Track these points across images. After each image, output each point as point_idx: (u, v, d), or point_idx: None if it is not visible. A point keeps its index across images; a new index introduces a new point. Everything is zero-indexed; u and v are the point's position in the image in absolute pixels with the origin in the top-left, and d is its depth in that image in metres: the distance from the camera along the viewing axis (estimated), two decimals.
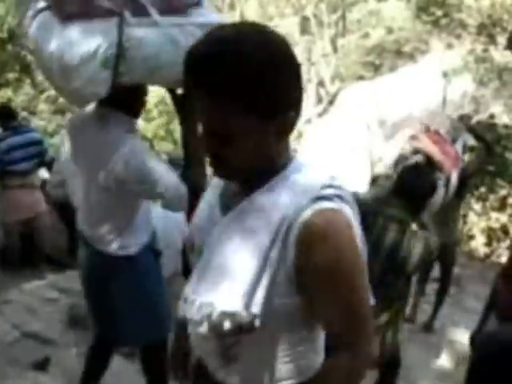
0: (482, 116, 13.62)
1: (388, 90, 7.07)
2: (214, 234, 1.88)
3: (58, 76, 2.72)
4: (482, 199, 12.46)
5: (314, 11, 18.66)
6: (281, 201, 1.76)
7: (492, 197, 12.44)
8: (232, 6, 19.62)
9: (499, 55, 14.27)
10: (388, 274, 4.14)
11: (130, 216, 3.34)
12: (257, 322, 1.74)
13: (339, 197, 1.77)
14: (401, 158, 5.80)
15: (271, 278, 1.73)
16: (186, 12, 2.91)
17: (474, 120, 13.46)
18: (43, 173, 8.89)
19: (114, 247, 3.36)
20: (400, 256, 4.10)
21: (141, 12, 2.75)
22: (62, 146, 3.46)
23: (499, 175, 12.01)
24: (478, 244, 12.98)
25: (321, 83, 18.75)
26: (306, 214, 1.70)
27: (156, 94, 19.78)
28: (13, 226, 8.19)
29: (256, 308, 1.73)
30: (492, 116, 12.77)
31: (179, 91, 3.06)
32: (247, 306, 1.73)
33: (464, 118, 8.19)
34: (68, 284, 6.65)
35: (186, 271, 7.70)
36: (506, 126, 12.36)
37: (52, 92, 18.61)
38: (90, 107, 3.25)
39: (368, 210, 4.09)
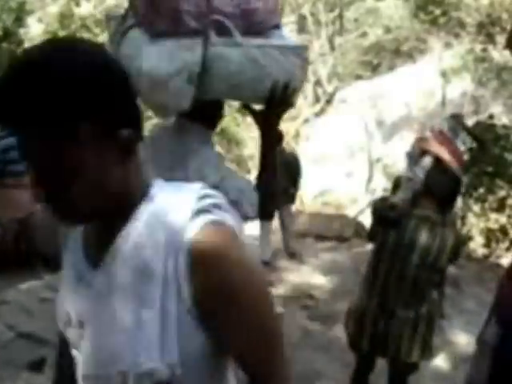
0: (482, 116, 13.64)
1: (386, 89, 7.05)
2: (94, 296, 1.66)
3: (146, 90, 2.85)
4: (481, 200, 12.42)
5: (311, 10, 18.69)
6: (157, 227, 1.57)
7: (491, 198, 12.41)
8: None
9: (498, 55, 14.27)
10: (424, 270, 4.29)
11: None
12: (178, 371, 1.57)
13: (218, 206, 1.60)
14: (412, 160, 5.84)
15: (175, 322, 1.56)
16: (267, 34, 3.06)
17: (474, 120, 13.47)
18: None
19: None
20: (434, 253, 4.27)
21: (225, 33, 2.89)
22: None
23: (498, 176, 11.99)
24: (477, 245, 12.96)
25: (318, 82, 18.78)
26: (189, 233, 1.51)
27: None
28: (9, 224, 8.16)
29: (171, 357, 1.57)
30: (491, 116, 12.76)
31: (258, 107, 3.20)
32: (162, 358, 1.56)
33: (457, 118, 8.20)
34: None
35: None
36: (504, 127, 12.34)
37: None
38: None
39: (401, 212, 4.29)
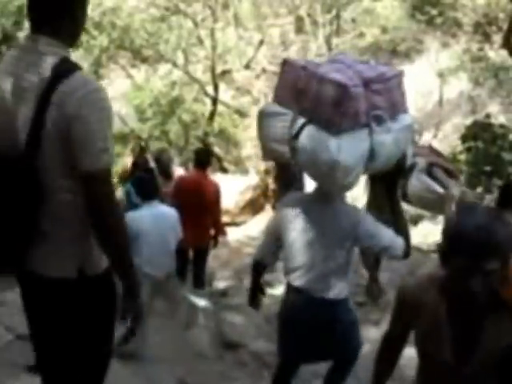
0: (479, 116, 13.64)
1: None
2: None
3: (340, 174, 3.73)
4: (479, 199, 12.42)
5: (309, 11, 18.67)
6: None
7: (488, 197, 12.40)
8: (226, 6, 19.60)
9: (495, 54, 14.27)
10: None
11: (349, 268, 4.23)
12: None
13: None
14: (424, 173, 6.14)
15: None
16: (399, 117, 4.00)
17: (471, 120, 13.48)
18: None
19: (336, 293, 4.15)
20: None
21: (380, 121, 3.82)
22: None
23: (496, 175, 11.99)
24: None
25: None
26: None
27: (148, 94, 19.76)
28: None
29: None
30: (488, 116, 12.76)
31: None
32: None
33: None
34: None
35: (182, 272, 7.69)
36: (502, 126, 12.34)
37: None
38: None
39: None
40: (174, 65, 19.91)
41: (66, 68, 2.68)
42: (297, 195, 4.65)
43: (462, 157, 12.34)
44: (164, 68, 20.51)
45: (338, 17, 19.55)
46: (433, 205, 5.97)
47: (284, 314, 4.36)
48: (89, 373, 2.96)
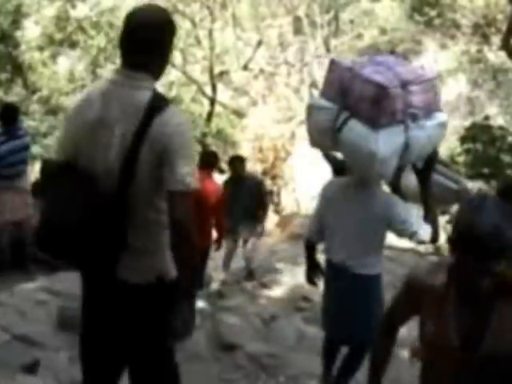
0: (478, 117, 13.63)
1: None
2: None
3: (377, 165, 4.22)
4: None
5: (307, 11, 18.65)
6: None
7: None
8: (224, 7, 19.58)
9: (493, 56, 14.27)
10: None
11: (381, 249, 4.76)
12: None
13: None
14: None
15: None
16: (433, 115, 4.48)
17: (469, 122, 13.47)
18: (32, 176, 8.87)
19: (369, 269, 4.65)
20: None
21: (415, 118, 4.30)
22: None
23: (494, 177, 11.99)
24: None
25: (314, 84, 18.71)
26: None
27: None
28: (4, 226, 8.14)
29: None
30: (487, 117, 12.74)
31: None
32: None
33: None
34: (58, 286, 6.58)
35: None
36: (500, 128, 12.33)
37: (44, 92, 18.61)
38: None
39: None
40: (172, 65, 19.90)
41: (159, 103, 3.04)
42: (337, 181, 5.09)
43: (461, 159, 12.34)
44: None
45: (336, 18, 19.56)
46: (446, 200, 5.99)
47: (325, 287, 4.90)
48: (162, 362, 3.38)
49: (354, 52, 19.19)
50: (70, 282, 6.48)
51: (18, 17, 16.71)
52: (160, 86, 16.35)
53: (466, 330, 2.35)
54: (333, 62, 4.56)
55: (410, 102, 4.32)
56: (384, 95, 4.18)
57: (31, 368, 4.75)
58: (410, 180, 5.05)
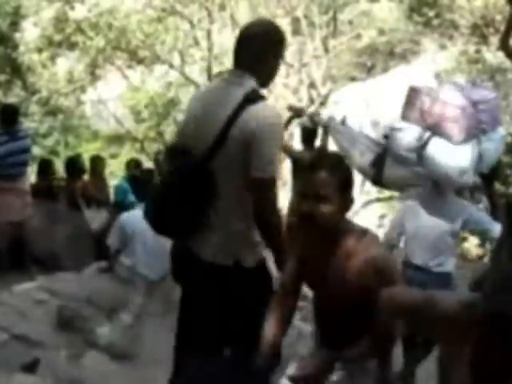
0: None
1: (380, 91, 7.09)
2: None
3: (462, 176, 5.01)
4: (476, 201, 12.43)
5: (305, 12, 18.64)
6: None
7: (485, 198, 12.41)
8: (222, 7, 19.56)
9: (492, 56, 14.28)
10: None
11: (455, 248, 5.76)
12: None
13: None
14: None
15: None
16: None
17: None
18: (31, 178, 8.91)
19: (444, 267, 5.46)
20: None
21: (484, 133, 5.04)
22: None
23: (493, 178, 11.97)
24: (471, 245, 12.99)
25: (312, 85, 18.74)
26: None
27: (144, 95, 19.75)
28: (4, 227, 8.15)
29: None
30: None
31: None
32: None
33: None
34: (58, 286, 6.60)
35: (176, 274, 7.64)
36: None
37: (43, 94, 18.61)
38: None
39: None
40: (170, 66, 19.90)
41: (254, 96, 3.48)
42: (416, 190, 5.67)
43: None
44: (160, 69, 20.49)
45: (334, 18, 19.53)
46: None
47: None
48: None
49: (352, 52, 19.23)
50: (69, 282, 6.52)
51: (16, 18, 16.69)
52: (158, 87, 16.23)
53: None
54: (412, 90, 5.28)
55: (481, 118, 5.03)
56: (462, 115, 4.93)
57: (31, 367, 4.77)
58: (391, 172, 5.45)
